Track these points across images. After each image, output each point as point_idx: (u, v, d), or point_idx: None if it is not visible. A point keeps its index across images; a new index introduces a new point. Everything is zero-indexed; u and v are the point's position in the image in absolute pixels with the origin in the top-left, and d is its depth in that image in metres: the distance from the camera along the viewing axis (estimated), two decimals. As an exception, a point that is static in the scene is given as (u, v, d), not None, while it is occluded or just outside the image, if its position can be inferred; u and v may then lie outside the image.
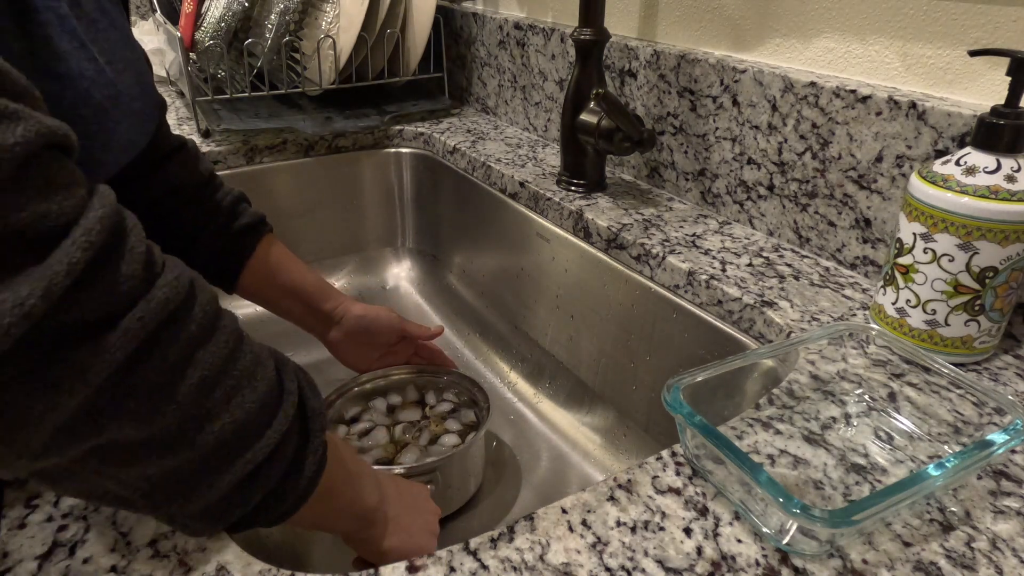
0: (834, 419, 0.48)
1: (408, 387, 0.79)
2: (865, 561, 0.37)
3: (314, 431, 0.39)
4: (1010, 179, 0.48)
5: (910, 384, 0.51)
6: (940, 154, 0.58)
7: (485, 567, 0.36)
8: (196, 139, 1.01)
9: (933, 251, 0.50)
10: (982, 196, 0.48)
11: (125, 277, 0.29)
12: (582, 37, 0.79)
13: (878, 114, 0.61)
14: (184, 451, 0.33)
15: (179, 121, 1.10)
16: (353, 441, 0.71)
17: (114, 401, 0.29)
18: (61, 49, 0.40)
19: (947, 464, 0.37)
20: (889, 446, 0.46)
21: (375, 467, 0.56)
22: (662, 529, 0.39)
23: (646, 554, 0.37)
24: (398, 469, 0.64)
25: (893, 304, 0.54)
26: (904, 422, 0.48)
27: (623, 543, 0.38)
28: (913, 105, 0.59)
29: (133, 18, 1.44)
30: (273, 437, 0.36)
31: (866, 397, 0.50)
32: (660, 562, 0.37)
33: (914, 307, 0.53)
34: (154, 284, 0.30)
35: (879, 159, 0.62)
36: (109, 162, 0.48)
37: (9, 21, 0.38)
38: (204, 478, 0.34)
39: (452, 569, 0.36)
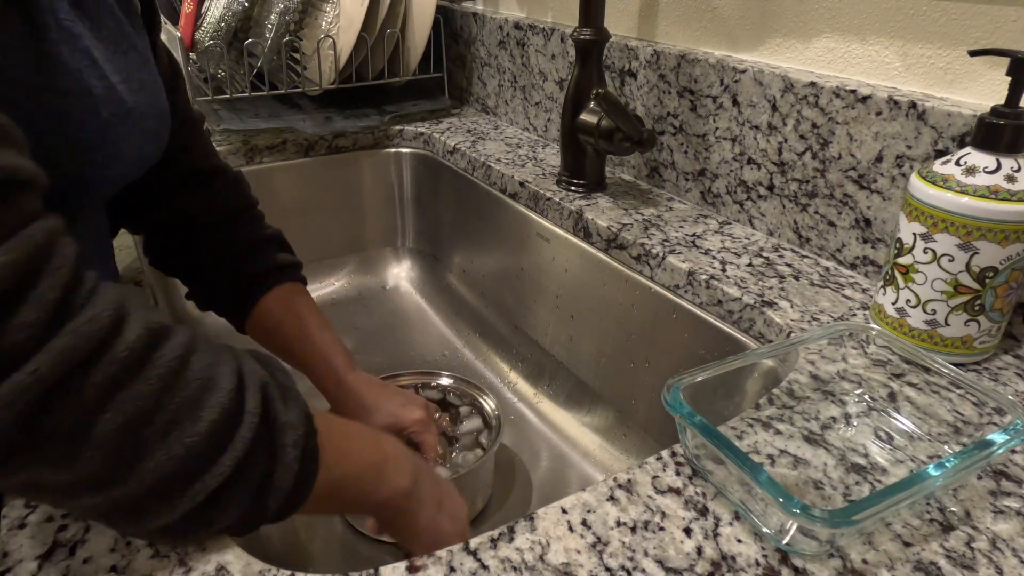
0: (834, 419, 0.48)
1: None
2: (865, 561, 0.37)
3: (284, 447, 0.37)
4: (1010, 179, 0.48)
5: (910, 384, 0.51)
6: (940, 154, 0.58)
7: (485, 567, 0.36)
8: (196, 139, 1.01)
9: (933, 251, 0.50)
10: (982, 196, 0.48)
11: (22, 326, 0.28)
12: (582, 37, 0.79)
13: (878, 114, 0.61)
14: (119, 488, 0.32)
15: (179, 121, 1.10)
16: None
17: (17, 450, 0.28)
18: (70, 66, 0.41)
19: (947, 464, 0.37)
20: (889, 446, 0.46)
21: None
22: (662, 529, 0.39)
23: (646, 554, 0.37)
24: None
25: (893, 304, 0.54)
26: (904, 422, 0.48)
27: (623, 543, 0.38)
28: (913, 105, 0.59)
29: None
30: (227, 464, 0.34)
31: (866, 397, 0.50)
32: (660, 562, 0.37)
33: (914, 307, 0.53)
34: (60, 330, 0.29)
35: (879, 159, 0.62)
36: (115, 176, 0.48)
37: (19, 37, 0.38)
38: (153, 507, 0.33)
39: (452, 569, 0.36)
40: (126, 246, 0.74)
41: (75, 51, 0.41)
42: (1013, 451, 0.44)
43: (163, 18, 1.17)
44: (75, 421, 0.29)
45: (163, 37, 1.15)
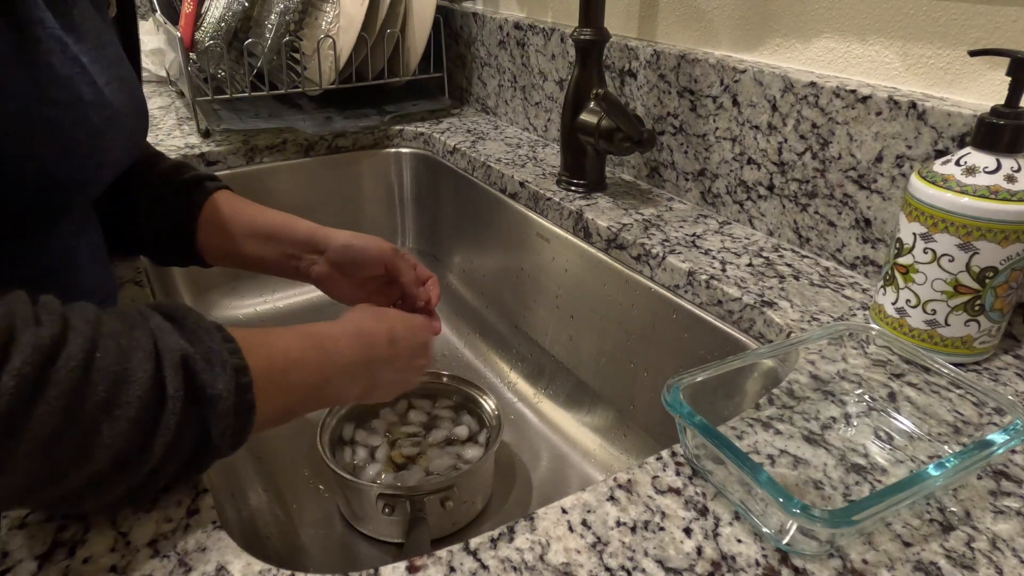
0: (834, 419, 0.48)
1: (407, 396, 0.77)
2: (865, 561, 0.37)
3: (214, 417, 0.37)
4: (1010, 179, 0.48)
5: (910, 384, 0.51)
6: (940, 154, 0.58)
7: (485, 567, 0.36)
8: (196, 139, 1.01)
9: (933, 251, 0.50)
10: (982, 196, 0.48)
11: None
12: (582, 37, 0.79)
13: (878, 114, 0.61)
14: (49, 493, 0.33)
15: (179, 121, 1.10)
16: (356, 456, 0.70)
17: None
18: (63, 75, 0.41)
19: (947, 464, 0.37)
20: (889, 446, 0.46)
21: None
22: (662, 529, 0.39)
23: (646, 554, 0.37)
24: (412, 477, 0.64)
25: (893, 304, 0.54)
26: (904, 422, 0.48)
27: (623, 543, 0.38)
28: (913, 105, 0.59)
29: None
30: (157, 450, 0.34)
31: (866, 397, 0.50)
32: (660, 562, 0.37)
33: (914, 307, 0.53)
34: None
35: (879, 159, 0.62)
36: (104, 178, 0.49)
37: (13, 51, 0.39)
38: (91, 495, 0.34)
39: (452, 569, 0.36)
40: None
41: (66, 60, 0.42)
42: (1013, 451, 0.44)
43: (163, 18, 1.17)
44: None
45: (163, 37, 1.14)
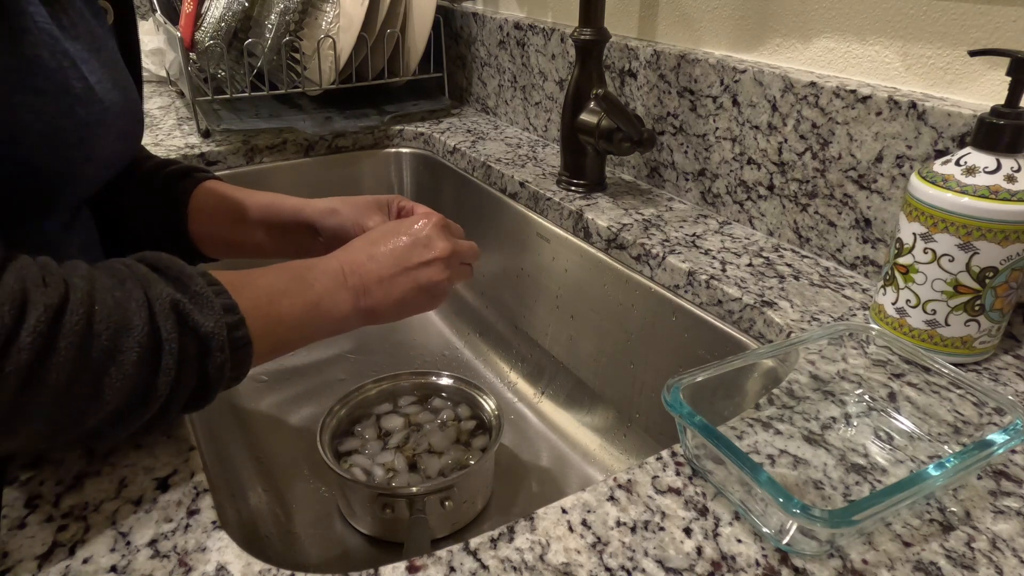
0: (834, 419, 0.48)
1: (406, 396, 0.78)
2: (865, 561, 0.37)
3: (210, 352, 0.40)
4: (1010, 179, 0.48)
5: (910, 384, 0.51)
6: (940, 154, 0.58)
7: (485, 567, 0.36)
8: (196, 139, 1.01)
9: (933, 251, 0.50)
10: (982, 196, 0.48)
11: None
12: (582, 37, 0.79)
13: (878, 114, 0.61)
14: (70, 434, 0.36)
15: (179, 121, 1.10)
16: (356, 457, 0.70)
17: None
18: (50, 67, 0.42)
19: (947, 464, 0.37)
20: (889, 446, 0.46)
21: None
22: (662, 529, 0.39)
23: (646, 554, 0.37)
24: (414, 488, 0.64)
25: (893, 304, 0.54)
26: (904, 422, 0.48)
27: (623, 543, 0.38)
28: (913, 105, 0.59)
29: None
30: (162, 388, 0.38)
31: (866, 397, 0.50)
32: (660, 562, 0.37)
33: (914, 307, 0.53)
34: None
35: (879, 159, 0.62)
36: (92, 174, 0.49)
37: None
38: (107, 434, 0.38)
39: (452, 569, 0.36)
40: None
41: (55, 53, 0.42)
42: (1013, 451, 0.44)
43: (163, 18, 1.17)
44: (4, 407, 0.32)
45: (163, 37, 1.14)
